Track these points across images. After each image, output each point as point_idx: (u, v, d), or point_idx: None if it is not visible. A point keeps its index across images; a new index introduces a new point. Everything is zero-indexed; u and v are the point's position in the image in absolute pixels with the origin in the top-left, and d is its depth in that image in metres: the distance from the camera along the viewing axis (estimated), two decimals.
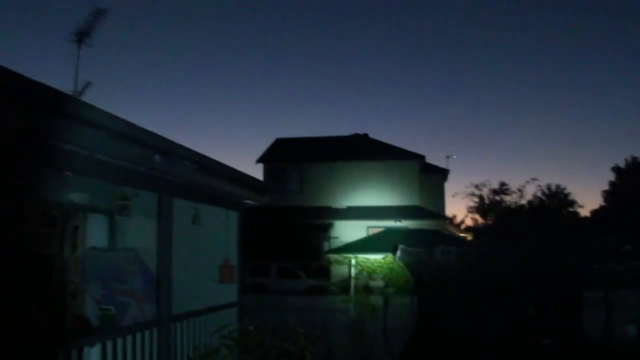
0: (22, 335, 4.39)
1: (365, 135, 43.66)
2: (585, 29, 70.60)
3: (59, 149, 4.62)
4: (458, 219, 60.95)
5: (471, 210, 50.86)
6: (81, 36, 13.95)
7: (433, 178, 42.46)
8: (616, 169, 54.99)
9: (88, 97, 14.59)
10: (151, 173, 6.20)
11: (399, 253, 9.79)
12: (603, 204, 58.07)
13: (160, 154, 5.95)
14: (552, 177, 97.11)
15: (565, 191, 51.88)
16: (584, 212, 56.30)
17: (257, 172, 38.43)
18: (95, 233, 9.04)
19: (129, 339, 6.02)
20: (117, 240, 9.19)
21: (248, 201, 9.44)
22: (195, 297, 7.92)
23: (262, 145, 56.47)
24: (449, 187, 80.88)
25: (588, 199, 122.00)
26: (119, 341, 5.85)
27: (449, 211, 63.97)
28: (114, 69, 58.78)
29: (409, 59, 71.82)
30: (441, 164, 45.86)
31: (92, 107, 4.62)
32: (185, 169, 6.66)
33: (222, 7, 65.05)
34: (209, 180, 7.47)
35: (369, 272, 13.45)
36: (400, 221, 31.85)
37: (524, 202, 49.44)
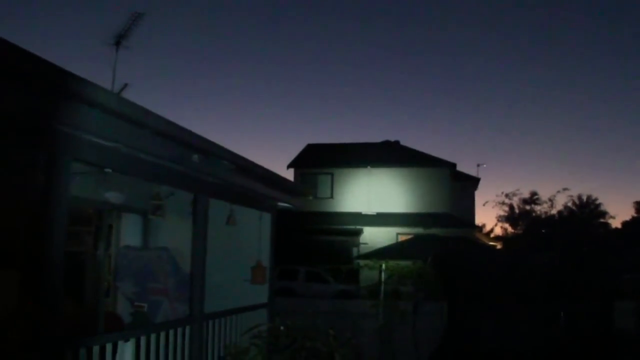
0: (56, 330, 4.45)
1: (397, 142, 43.49)
2: (626, 40, 69.75)
3: (98, 145, 4.70)
4: (487, 228, 60.47)
5: (501, 219, 50.31)
6: (119, 39, 14.06)
7: (463, 186, 42.18)
8: None
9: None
10: (188, 172, 6.26)
11: (430, 259, 9.78)
12: (635, 215, 57.15)
13: (199, 154, 6.01)
14: (583, 187, 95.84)
15: (597, 201, 51.10)
16: (615, 223, 55.55)
17: (287, 177, 38.40)
18: (129, 232, 9.15)
19: (162, 335, 6.08)
20: (151, 239, 9.28)
21: (281, 203, 9.48)
22: (227, 297, 7.97)
23: (293, 151, 56.62)
24: (479, 195, 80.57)
25: (619, 210, 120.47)
26: (153, 337, 5.91)
27: (479, 219, 63.79)
28: (150, 71, 59.23)
29: (442, 67, 71.58)
30: (472, 172, 45.59)
31: (132, 104, 4.70)
32: (222, 169, 6.71)
33: (257, 14, 65.39)
34: (245, 181, 7.51)
35: (399, 277, 13.42)
36: (429, 228, 31.70)
37: (554, 212, 48.83)
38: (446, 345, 8.78)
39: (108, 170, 5.55)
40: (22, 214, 7.10)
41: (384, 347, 12.26)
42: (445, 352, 8.64)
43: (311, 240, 33.61)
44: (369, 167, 38.34)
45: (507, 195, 49.24)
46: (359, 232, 34.96)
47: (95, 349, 4.96)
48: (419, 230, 31.18)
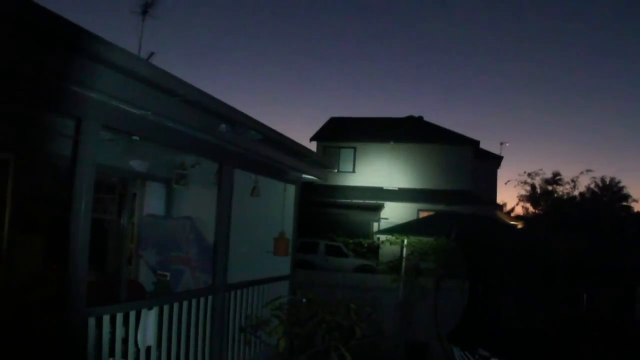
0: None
1: (420, 118, 43.23)
2: None
3: (126, 112, 4.67)
4: (508, 207, 60.17)
5: (522, 198, 49.95)
6: (146, 8, 14.02)
7: (486, 164, 41.85)
8: None
9: None
10: (215, 142, 6.23)
11: (453, 235, 9.69)
12: None
13: (227, 123, 5.97)
14: (606, 169, 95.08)
15: (620, 184, 50.54)
16: (638, 206, 54.93)
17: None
18: (152, 201, 9.17)
19: (185, 304, 6.09)
20: (174, 208, 9.29)
21: (305, 176, 9.43)
22: (249, 268, 7.96)
23: (317, 124, 56.40)
24: (502, 174, 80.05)
25: None
26: (175, 306, 5.92)
27: (500, 198, 63.31)
28: (176, 42, 59.14)
29: (467, 44, 70.91)
30: (495, 150, 45.28)
31: (162, 71, 4.65)
32: (249, 139, 6.66)
33: None
34: (271, 152, 7.46)
35: (421, 253, 13.39)
36: (451, 205, 31.53)
37: (576, 193, 48.41)
38: (466, 322, 8.72)
39: (135, 138, 5.54)
40: (49, 180, 7.14)
41: (404, 321, 12.27)
42: (465, 329, 8.59)
43: (331, 213, 33.55)
44: (392, 142, 38.11)
45: (529, 175, 48.90)
46: (380, 207, 34.86)
47: (119, 316, 4.97)
48: (440, 207, 31.03)
